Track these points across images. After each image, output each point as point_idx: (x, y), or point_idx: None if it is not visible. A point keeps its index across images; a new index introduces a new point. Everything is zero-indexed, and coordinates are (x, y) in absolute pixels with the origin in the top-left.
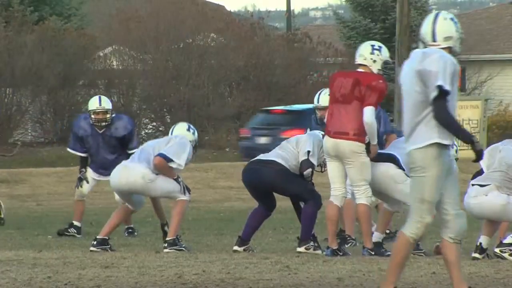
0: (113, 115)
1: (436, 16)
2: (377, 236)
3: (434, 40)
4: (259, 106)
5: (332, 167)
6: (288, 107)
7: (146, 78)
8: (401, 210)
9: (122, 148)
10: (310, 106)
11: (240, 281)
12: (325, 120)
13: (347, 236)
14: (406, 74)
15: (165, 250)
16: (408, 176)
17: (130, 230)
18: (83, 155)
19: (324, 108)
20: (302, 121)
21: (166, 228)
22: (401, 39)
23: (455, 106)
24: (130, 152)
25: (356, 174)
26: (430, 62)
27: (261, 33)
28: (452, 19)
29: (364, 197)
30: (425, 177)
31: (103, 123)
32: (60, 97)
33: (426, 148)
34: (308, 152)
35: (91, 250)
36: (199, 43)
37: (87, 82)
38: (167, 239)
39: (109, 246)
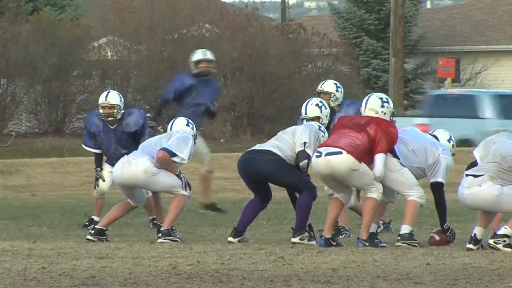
0: (123, 111)
1: None
2: (371, 227)
3: None
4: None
5: None
6: None
7: (141, 69)
8: (394, 201)
9: (134, 142)
10: None
11: (234, 272)
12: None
13: (341, 227)
14: None
15: (159, 240)
16: (403, 166)
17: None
18: (97, 151)
19: (312, 119)
20: None
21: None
22: (395, 30)
23: None
24: None
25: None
26: None
27: (256, 24)
28: None
29: (376, 192)
30: None
31: (110, 118)
32: (55, 88)
33: None
34: (305, 143)
35: (87, 239)
36: (193, 33)
37: (81, 72)
38: (161, 229)
39: (105, 237)
